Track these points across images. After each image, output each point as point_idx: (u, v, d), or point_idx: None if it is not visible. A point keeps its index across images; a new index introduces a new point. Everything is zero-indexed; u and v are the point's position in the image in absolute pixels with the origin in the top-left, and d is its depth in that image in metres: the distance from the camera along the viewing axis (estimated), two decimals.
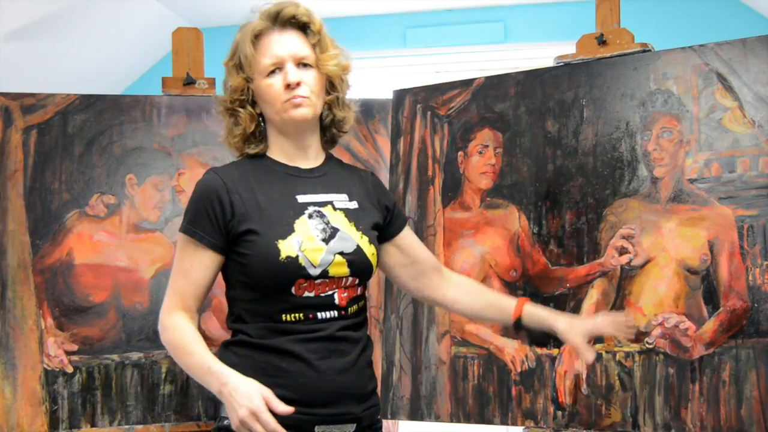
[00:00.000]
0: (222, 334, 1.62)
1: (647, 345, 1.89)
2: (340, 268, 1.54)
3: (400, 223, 1.75)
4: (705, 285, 1.84)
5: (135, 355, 2.24)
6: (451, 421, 2.12)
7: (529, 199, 2.09)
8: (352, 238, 1.57)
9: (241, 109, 1.61)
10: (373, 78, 3.73)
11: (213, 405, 2.25)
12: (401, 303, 2.22)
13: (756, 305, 1.77)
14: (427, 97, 2.28)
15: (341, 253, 1.54)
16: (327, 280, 1.52)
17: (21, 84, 2.66)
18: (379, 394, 2.23)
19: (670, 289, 1.88)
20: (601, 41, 2.06)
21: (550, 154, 2.07)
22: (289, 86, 1.56)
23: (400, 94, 2.34)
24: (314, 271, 1.50)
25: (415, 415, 2.16)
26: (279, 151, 1.63)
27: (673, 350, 1.86)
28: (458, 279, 1.83)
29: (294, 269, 1.49)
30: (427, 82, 2.33)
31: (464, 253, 2.16)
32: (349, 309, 1.57)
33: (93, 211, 2.28)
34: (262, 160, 1.63)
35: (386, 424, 3.13)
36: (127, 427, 2.21)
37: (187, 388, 2.25)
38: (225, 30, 4.15)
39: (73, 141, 2.29)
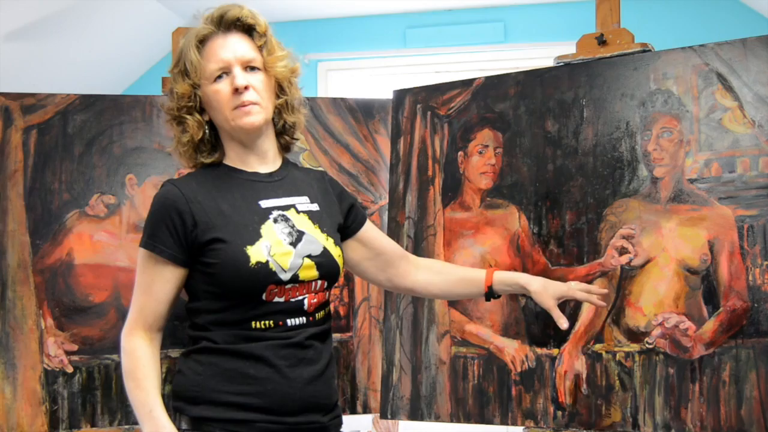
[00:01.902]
0: None
1: (647, 345, 1.89)
2: (310, 272, 1.52)
3: (361, 218, 1.75)
4: (705, 285, 1.84)
5: None
6: (451, 421, 2.12)
7: (529, 199, 2.09)
8: (318, 240, 1.56)
9: (188, 116, 1.57)
10: (373, 78, 3.73)
11: None
12: (401, 303, 2.22)
13: (756, 305, 1.77)
14: (427, 97, 2.28)
15: (309, 256, 1.53)
16: (297, 285, 1.51)
17: (21, 84, 2.67)
18: (378, 393, 2.24)
19: (670, 289, 1.88)
20: (601, 41, 2.06)
21: (550, 154, 2.07)
22: (237, 90, 1.53)
23: (400, 94, 2.34)
24: (285, 276, 1.48)
25: (415, 415, 2.16)
26: (235, 157, 1.60)
27: (673, 350, 1.86)
28: (425, 262, 1.84)
29: (265, 274, 1.47)
30: (427, 82, 2.33)
31: (464, 253, 2.16)
32: (317, 315, 1.56)
33: (93, 211, 2.29)
34: (219, 169, 1.59)
35: (386, 424, 3.14)
36: (127, 427, 2.21)
37: None
38: None
39: (73, 141, 2.29)
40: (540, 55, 3.42)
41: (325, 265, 1.55)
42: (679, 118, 1.92)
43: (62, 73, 3.34)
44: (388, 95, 2.38)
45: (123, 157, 2.31)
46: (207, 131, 1.59)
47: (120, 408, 2.22)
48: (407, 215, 2.25)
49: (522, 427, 2.03)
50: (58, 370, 2.21)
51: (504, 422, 2.06)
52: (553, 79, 2.10)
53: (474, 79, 2.23)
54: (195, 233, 1.49)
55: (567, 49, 2.19)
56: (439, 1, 3.54)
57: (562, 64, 2.11)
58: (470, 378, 2.11)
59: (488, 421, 2.07)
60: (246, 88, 1.53)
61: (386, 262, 1.77)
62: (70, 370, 2.21)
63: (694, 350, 1.83)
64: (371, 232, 1.77)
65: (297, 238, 1.53)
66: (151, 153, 2.33)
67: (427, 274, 1.79)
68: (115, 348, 2.23)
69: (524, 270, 2.07)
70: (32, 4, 2.96)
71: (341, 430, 1.61)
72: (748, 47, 1.85)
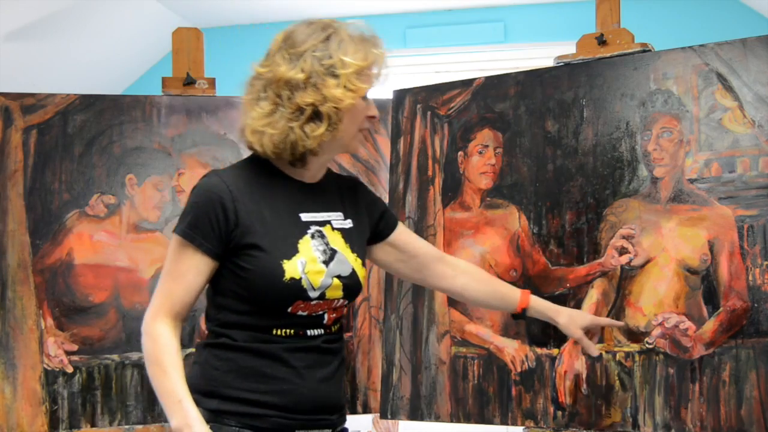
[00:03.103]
0: None
1: (647, 345, 1.89)
2: (336, 292, 1.53)
3: (392, 222, 1.75)
4: (705, 285, 1.84)
5: (135, 355, 2.24)
6: (451, 421, 2.12)
7: (529, 199, 2.09)
8: (348, 261, 1.56)
9: (337, 120, 1.49)
10: None
11: None
12: (401, 303, 2.22)
13: (756, 305, 1.77)
14: (427, 97, 2.28)
15: (339, 277, 1.53)
16: (321, 302, 1.52)
17: (21, 84, 2.67)
18: (378, 393, 2.24)
19: (670, 289, 1.88)
20: (601, 41, 2.06)
21: (550, 154, 2.07)
22: (372, 118, 1.56)
23: (400, 94, 2.34)
24: (313, 294, 1.50)
25: (415, 415, 2.16)
26: (292, 165, 1.56)
27: (673, 350, 1.86)
28: (465, 266, 1.83)
29: (295, 291, 1.48)
30: (427, 82, 2.33)
31: (464, 253, 2.16)
32: (333, 327, 1.57)
33: (93, 211, 2.29)
34: (266, 168, 1.56)
35: (386, 424, 3.14)
36: (127, 427, 2.21)
37: None
38: (225, 30, 4.17)
39: (73, 141, 2.29)
40: (540, 55, 3.41)
41: (351, 286, 1.56)
42: (679, 118, 1.92)
43: (62, 73, 3.34)
44: (388, 95, 2.38)
45: (123, 157, 2.31)
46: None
47: (120, 408, 2.22)
48: (407, 215, 2.25)
49: (522, 427, 2.03)
50: (58, 370, 2.21)
51: (504, 422, 2.06)
52: (553, 79, 2.10)
53: (474, 79, 2.23)
54: (235, 233, 1.48)
55: (567, 49, 2.19)
56: (439, 1, 3.54)
57: (562, 64, 2.11)
58: (470, 378, 2.11)
59: (488, 421, 2.08)
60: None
61: (421, 264, 1.77)
62: (70, 370, 2.21)
63: (694, 350, 1.83)
64: (403, 235, 1.76)
65: (330, 256, 1.53)
66: (151, 153, 2.33)
67: (466, 278, 1.79)
68: (115, 348, 2.24)
69: (524, 270, 2.08)
70: (32, 4, 2.96)
71: (345, 426, 1.63)
72: (748, 47, 1.85)
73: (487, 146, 2.18)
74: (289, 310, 1.49)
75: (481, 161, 2.18)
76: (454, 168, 2.22)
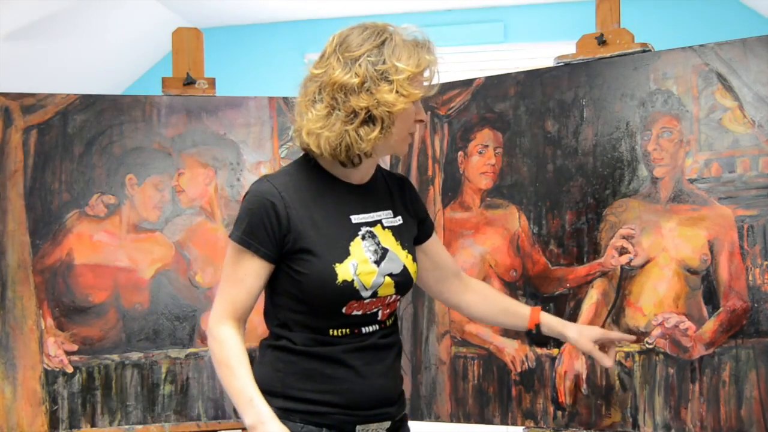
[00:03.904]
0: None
1: (647, 345, 1.89)
2: (388, 289, 1.56)
3: (429, 230, 1.77)
4: (705, 285, 1.84)
5: (135, 355, 2.24)
6: (451, 421, 2.12)
7: (529, 199, 2.09)
8: (400, 258, 1.59)
9: (390, 124, 1.51)
10: None
11: (213, 405, 2.26)
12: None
13: (756, 305, 1.77)
14: (427, 97, 2.28)
15: (390, 275, 1.56)
16: (374, 299, 1.55)
17: (21, 84, 2.67)
18: None
19: (670, 289, 1.88)
20: (601, 41, 2.06)
21: (550, 154, 2.07)
22: (420, 122, 1.59)
23: None
24: (366, 293, 1.52)
25: (415, 415, 2.16)
26: (340, 166, 1.57)
27: (673, 350, 1.86)
28: (475, 284, 1.85)
29: (349, 293, 1.51)
30: None
31: (464, 253, 2.16)
32: (387, 322, 1.61)
33: (93, 211, 2.29)
34: (316, 172, 1.58)
35: None
36: (127, 427, 2.21)
37: (187, 388, 2.26)
38: (225, 30, 4.16)
39: (73, 141, 2.29)
40: (540, 55, 3.42)
41: (402, 283, 1.59)
42: (679, 118, 1.92)
43: (62, 73, 3.35)
44: None
45: (123, 157, 2.31)
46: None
47: (120, 408, 2.22)
48: None
49: (522, 427, 2.03)
50: (58, 370, 2.21)
51: (504, 422, 2.06)
52: (553, 79, 2.10)
53: (474, 79, 2.23)
54: (288, 238, 1.51)
55: (567, 49, 2.19)
56: (439, 1, 3.55)
57: (562, 64, 2.11)
58: (470, 378, 2.11)
59: (488, 421, 2.08)
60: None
61: (442, 276, 1.79)
62: (70, 370, 2.21)
63: (694, 350, 1.83)
64: (435, 246, 1.78)
65: (381, 256, 1.56)
66: (150, 153, 2.33)
67: (474, 296, 1.81)
68: (115, 348, 2.24)
69: (524, 270, 2.08)
70: (32, 4, 2.96)
71: (405, 412, 1.67)
72: (748, 47, 1.85)
73: (487, 146, 2.18)
74: (344, 310, 1.52)
75: (481, 161, 2.18)
76: (454, 168, 2.22)
